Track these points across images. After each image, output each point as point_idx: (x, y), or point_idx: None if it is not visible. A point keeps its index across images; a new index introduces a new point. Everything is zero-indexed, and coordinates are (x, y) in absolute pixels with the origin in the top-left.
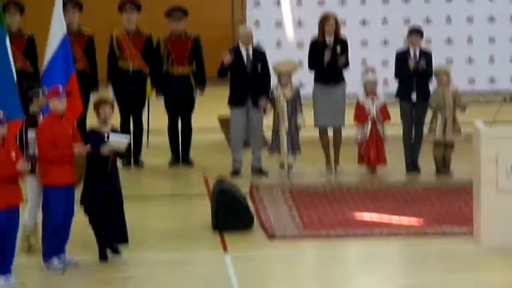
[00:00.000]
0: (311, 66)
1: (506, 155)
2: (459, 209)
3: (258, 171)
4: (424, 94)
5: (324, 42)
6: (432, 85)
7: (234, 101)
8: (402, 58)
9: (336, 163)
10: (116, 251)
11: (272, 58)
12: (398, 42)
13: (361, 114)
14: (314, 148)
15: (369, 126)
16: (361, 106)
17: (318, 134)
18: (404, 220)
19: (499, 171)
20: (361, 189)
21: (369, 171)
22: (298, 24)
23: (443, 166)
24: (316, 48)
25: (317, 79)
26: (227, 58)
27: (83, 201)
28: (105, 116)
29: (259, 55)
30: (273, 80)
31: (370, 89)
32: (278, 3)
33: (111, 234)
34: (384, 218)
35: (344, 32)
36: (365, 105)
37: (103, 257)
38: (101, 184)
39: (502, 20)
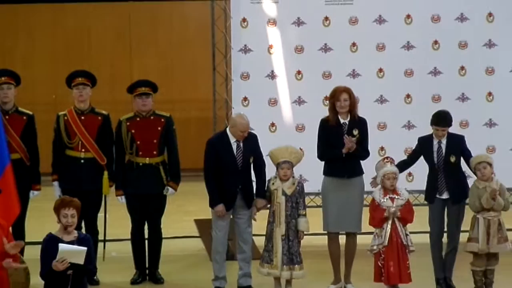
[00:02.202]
0: (323, 155)
1: None
2: None
3: None
4: (459, 191)
5: (338, 124)
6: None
7: (219, 203)
8: (424, 147)
9: (346, 280)
10: None
11: (265, 144)
12: (425, 125)
13: (376, 215)
14: (317, 260)
15: (388, 231)
16: (377, 205)
17: (319, 241)
18: None
19: None
20: None
21: None
22: (298, 102)
23: (484, 283)
24: (328, 132)
25: (329, 172)
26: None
27: None
28: (66, 223)
29: (251, 143)
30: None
31: (390, 185)
32: (273, 76)
33: None
34: None
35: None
36: (381, 204)
37: None
38: None
39: None
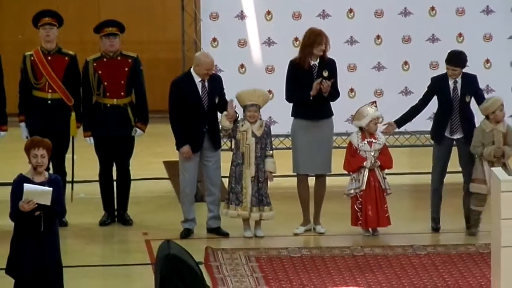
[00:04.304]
0: (291, 97)
1: None
2: (474, 281)
3: (215, 231)
4: (472, 130)
5: (309, 66)
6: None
7: (185, 144)
8: (439, 86)
9: (315, 221)
10: None
11: (234, 85)
12: (395, 67)
13: (354, 162)
14: (286, 202)
15: (366, 175)
16: (355, 149)
17: (288, 183)
18: None
19: None
20: (350, 256)
21: (365, 232)
22: (267, 43)
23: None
24: (297, 73)
25: (299, 114)
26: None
27: (8, 270)
28: (36, 163)
29: (216, 83)
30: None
31: (375, 130)
32: (242, 16)
33: None
34: None
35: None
36: (360, 148)
37: None
38: (29, 250)
39: None
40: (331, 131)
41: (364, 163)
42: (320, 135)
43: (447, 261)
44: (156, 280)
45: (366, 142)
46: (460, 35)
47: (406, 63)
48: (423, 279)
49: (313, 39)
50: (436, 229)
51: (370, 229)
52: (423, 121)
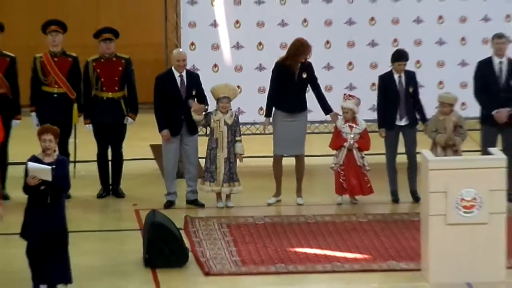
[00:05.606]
0: (270, 100)
1: (455, 187)
2: (407, 243)
3: (193, 203)
4: (415, 116)
5: (291, 70)
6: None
7: (165, 129)
8: (387, 82)
9: (298, 194)
10: None
11: (208, 82)
12: (341, 66)
13: (336, 141)
14: (253, 178)
15: (344, 153)
16: (338, 131)
17: (256, 163)
18: (349, 255)
19: (448, 203)
20: (304, 223)
21: (353, 200)
22: (236, 47)
23: None
24: (282, 74)
25: (280, 106)
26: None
27: (22, 234)
28: (45, 147)
29: (194, 79)
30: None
31: (347, 118)
32: (215, 25)
33: (48, 273)
34: (328, 253)
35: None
36: (341, 129)
37: None
38: (38, 218)
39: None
40: (305, 120)
41: (345, 144)
42: (297, 124)
43: (385, 227)
44: (144, 243)
45: (347, 125)
46: (395, 40)
47: (350, 63)
48: (364, 242)
49: (302, 50)
50: (396, 200)
51: (354, 197)
52: (365, 111)
